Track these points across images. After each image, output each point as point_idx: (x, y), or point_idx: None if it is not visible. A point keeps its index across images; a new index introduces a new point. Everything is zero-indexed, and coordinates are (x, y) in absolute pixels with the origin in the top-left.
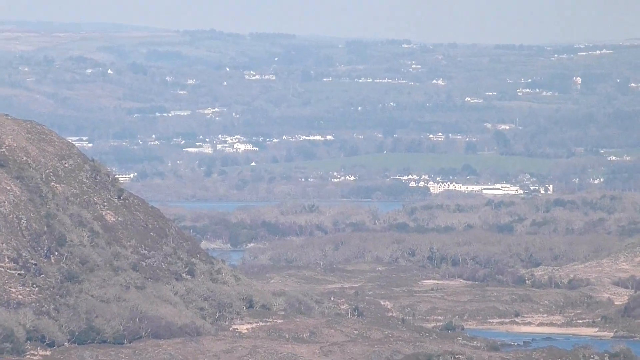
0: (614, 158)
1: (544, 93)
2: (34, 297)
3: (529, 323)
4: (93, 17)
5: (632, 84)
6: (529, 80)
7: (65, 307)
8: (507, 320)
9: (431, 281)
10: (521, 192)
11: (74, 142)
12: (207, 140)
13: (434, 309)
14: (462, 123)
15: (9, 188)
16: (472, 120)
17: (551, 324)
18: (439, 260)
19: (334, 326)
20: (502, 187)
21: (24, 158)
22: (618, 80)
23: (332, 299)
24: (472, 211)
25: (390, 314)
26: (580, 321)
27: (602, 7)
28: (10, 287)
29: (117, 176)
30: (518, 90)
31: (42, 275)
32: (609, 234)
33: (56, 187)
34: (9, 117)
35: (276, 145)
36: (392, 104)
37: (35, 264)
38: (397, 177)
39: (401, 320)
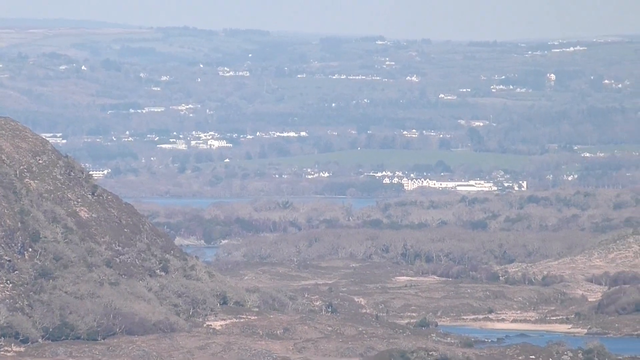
0: (587, 155)
1: (518, 90)
2: (7, 293)
3: (503, 320)
4: (67, 14)
5: (606, 81)
6: (503, 77)
7: (39, 304)
8: (481, 316)
9: (405, 278)
10: (495, 188)
11: (47, 139)
12: (180, 136)
13: (408, 305)
14: (436, 120)
15: None
16: (446, 116)
17: (525, 321)
18: (413, 256)
19: (308, 323)
20: (475, 183)
21: None
22: (592, 77)
23: (306, 295)
24: (446, 208)
25: (364, 310)
26: (554, 318)
27: (576, 4)
28: None
29: (91, 172)
30: (492, 87)
31: (15, 272)
32: (583, 231)
33: (30, 183)
34: None
35: (250, 141)
36: (365, 100)
37: (9, 260)
38: (371, 173)
39: (375, 316)
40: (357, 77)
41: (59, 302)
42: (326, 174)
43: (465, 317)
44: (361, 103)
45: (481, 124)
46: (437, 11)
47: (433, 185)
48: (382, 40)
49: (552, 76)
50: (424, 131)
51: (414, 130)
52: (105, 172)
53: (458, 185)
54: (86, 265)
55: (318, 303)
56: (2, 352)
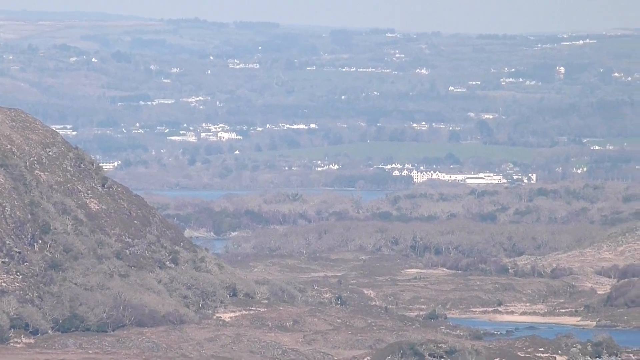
0: (596, 147)
1: (527, 82)
2: (17, 285)
3: (512, 312)
4: (77, 6)
5: (615, 74)
6: (512, 69)
7: (49, 295)
8: (490, 309)
9: (414, 270)
10: (504, 181)
11: (58, 130)
12: (191, 128)
13: (417, 297)
14: (445, 112)
15: None
16: (456, 109)
17: (534, 313)
18: (422, 249)
19: (317, 315)
20: (485, 176)
21: (8, 146)
22: (601, 70)
23: (316, 287)
24: (455, 200)
25: (373, 302)
26: (563, 310)
27: None
28: None
29: (101, 164)
30: (501, 79)
31: (25, 263)
32: (592, 224)
33: (40, 175)
34: None
35: (260, 133)
36: (375, 93)
37: (19, 252)
38: (381, 166)
39: (384, 309)
40: (367, 70)
41: (69, 294)
42: (336, 167)
43: (474, 310)
44: (371, 95)
45: (491, 117)
46: (447, 4)
47: (442, 178)
48: (392, 32)
49: (562, 69)
50: (434, 124)
51: (423, 123)
52: (115, 164)
53: (467, 178)
54: (96, 257)
55: (327, 295)
56: (12, 344)
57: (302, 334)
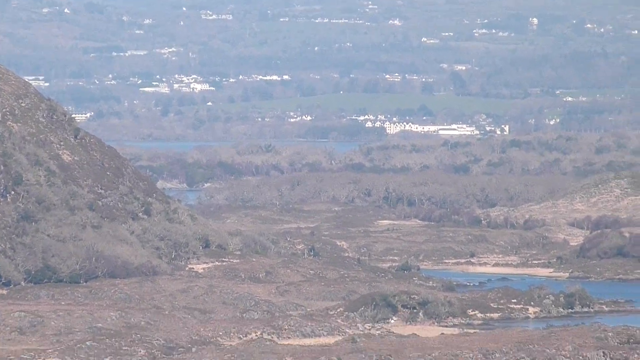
0: (569, 99)
1: (501, 34)
2: None
3: (485, 263)
4: None
5: (588, 25)
6: (485, 21)
7: (22, 247)
8: (463, 260)
9: (387, 221)
10: (477, 132)
11: (30, 82)
12: (163, 80)
13: (390, 249)
14: (418, 64)
15: None
16: (429, 61)
17: (507, 265)
18: (395, 200)
19: (290, 266)
20: (458, 127)
21: None
22: (574, 22)
23: (288, 239)
24: (428, 152)
25: (346, 254)
26: (536, 262)
27: None
28: None
29: (73, 115)
30: (474, 31)
31: None
32: (565, 175)
33: (12, 126)
34: None
35: (233, 85)
36: (348, 44)
37: None
38: (354, 117)
39: (357, 260)
40: (339, 21)
41: (42, 245)
42: (309, 118)
43: (447, 261)
44: (344, 47)
45: (464, 68)
46: None
47: (415, 129)
48: None
49: (535, 20)
50: (407, 75)
51: (396, 74)
52: (88, 115)
53: (440, 129)
54: (69, 208)
55: (300, 247)
56: None
57: (275, 286)
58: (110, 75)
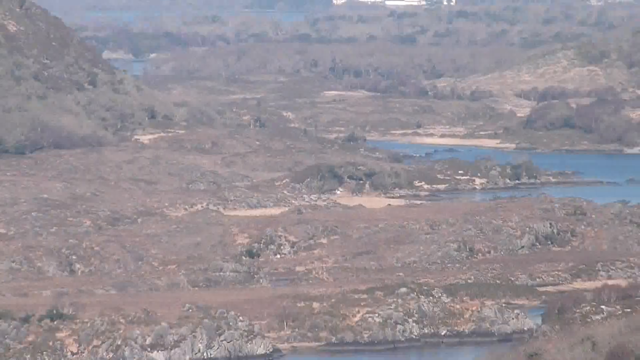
0: None
1: None
2: None
3: (431, 134)
4: None
5: None
6: None
7: None
8: (410, 131)
9: (333, 92)
10: (424, 3)
11: None
12: None
13: (336, 120)
14: None
15: None
16: None
17: (453, 136)
18: (342, 71)
19: (236, 137)
20: None
21: None
22: None
23: (234, 109)
24: (374, 22)
25: (292, 125)
26: (483, 133)
27: None
28: None
29: None
30: None
31: None
32: (512, 46)
33: None
34: None
35: None
36: None
37: None
38: None
39: (303, 131)
40: None
41: None
42: None
43: (393, 132)
44: None
45: None
46: None
47: (362, 0)
48: None
49: None
50: None
51: None
52: None
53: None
54: (14, 78)
55: (246, 117)
56: None
57: (221, 156)
58: None
